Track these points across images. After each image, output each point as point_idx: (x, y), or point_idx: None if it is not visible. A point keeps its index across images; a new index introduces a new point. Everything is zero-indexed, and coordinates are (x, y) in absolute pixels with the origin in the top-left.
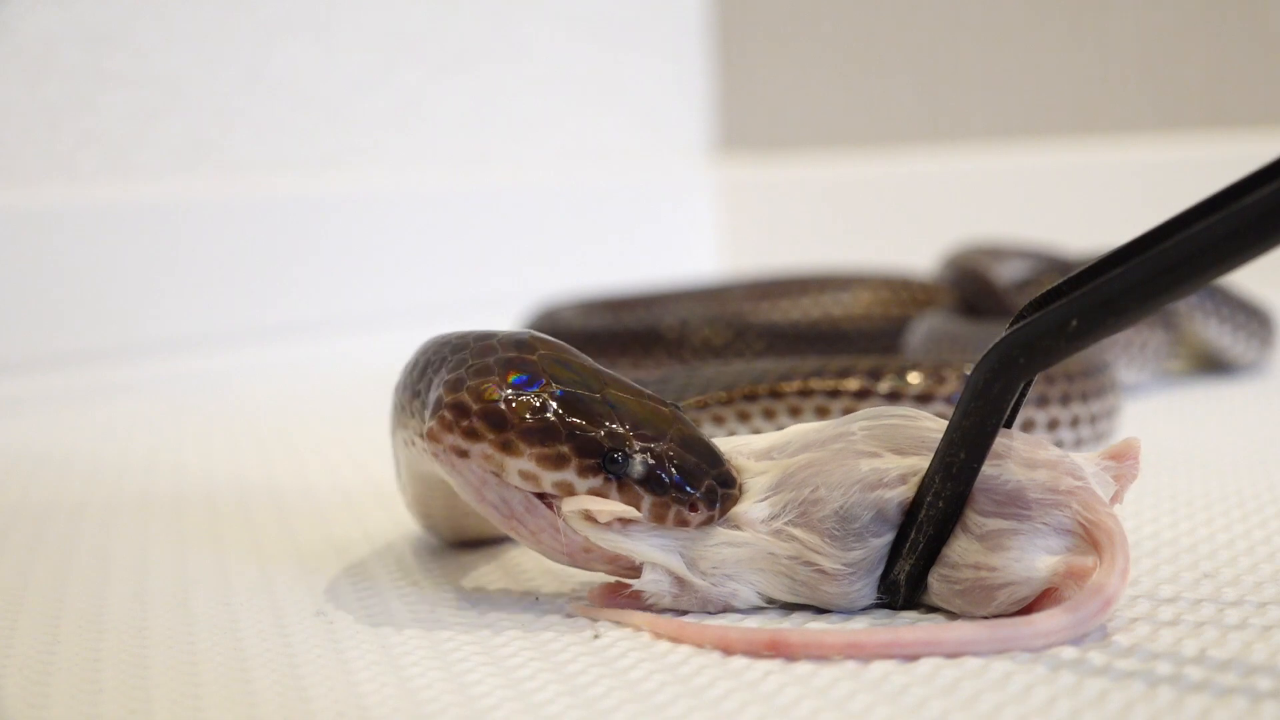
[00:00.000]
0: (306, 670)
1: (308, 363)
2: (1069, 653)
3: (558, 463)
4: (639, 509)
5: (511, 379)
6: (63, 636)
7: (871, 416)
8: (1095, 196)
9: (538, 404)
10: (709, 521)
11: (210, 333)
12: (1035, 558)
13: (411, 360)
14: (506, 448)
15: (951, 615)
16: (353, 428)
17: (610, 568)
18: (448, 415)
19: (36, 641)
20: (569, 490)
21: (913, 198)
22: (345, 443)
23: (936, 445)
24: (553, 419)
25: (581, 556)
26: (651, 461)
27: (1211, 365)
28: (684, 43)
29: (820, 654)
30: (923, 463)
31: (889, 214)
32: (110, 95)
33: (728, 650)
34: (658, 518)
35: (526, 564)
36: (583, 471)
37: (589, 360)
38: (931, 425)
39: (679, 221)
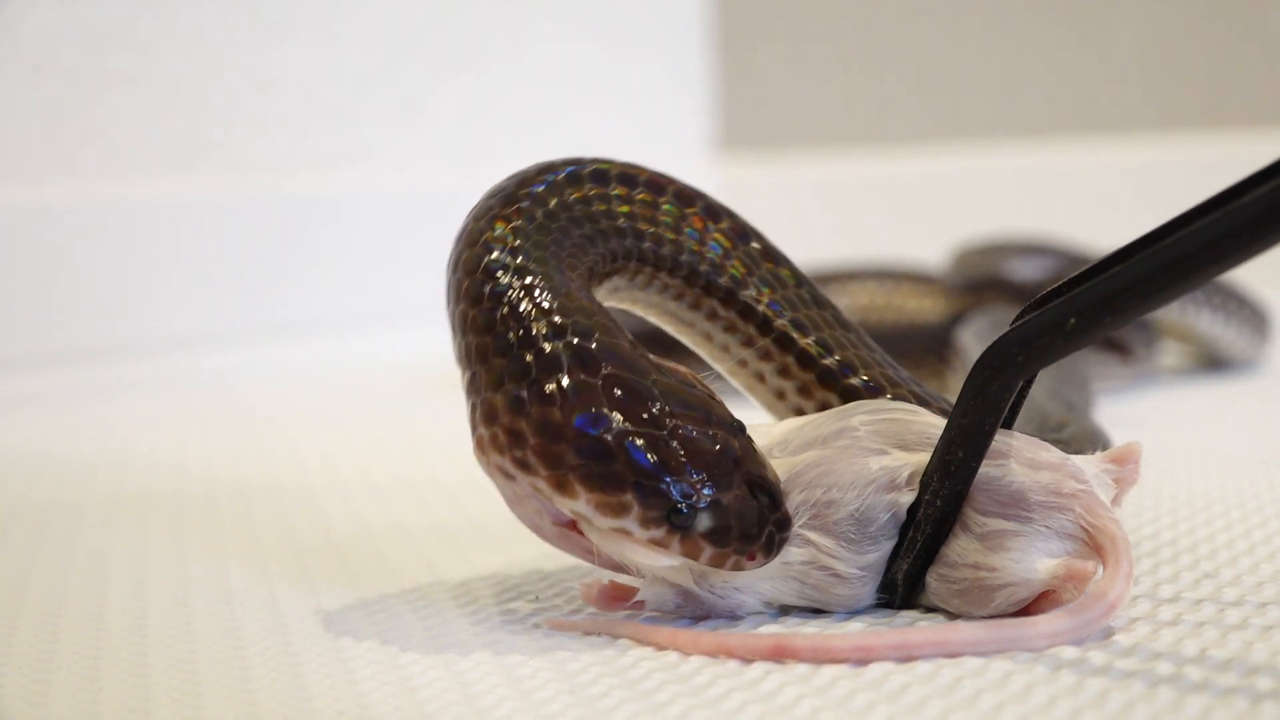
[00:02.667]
0: (306, 670)
1: (308, 363)
2: (1069, 653)
3: (618, 511)
4: (698, 559)
5: (577, 414)
6: (63, 636)
7: (871, 410)
8: (1095, 196)
9: (602, 448)
10: (762, 565)
11: (210, 332)
12: (1035, 559)
13: (465, 269)
14: (561, 488)
15: (950, 615)
16: (353, 427)
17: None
18: (501, 438)
19: (36, 641)
20: (625, 536)
21: (912, 197)
22: (345, 441)
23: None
24: (618, 468)
25: (590, 559)
26: (719, 516)
27: (1209, 362)
28: (684, 43)
29: (828, 659)
30: None
31: (889, 213)
32: (111, 94)
33: (729, 657)
34: (715, 565)
35: (527, 563)
36: (645, 523)
37: (650, 373)
38: (933, 420)
39: None
